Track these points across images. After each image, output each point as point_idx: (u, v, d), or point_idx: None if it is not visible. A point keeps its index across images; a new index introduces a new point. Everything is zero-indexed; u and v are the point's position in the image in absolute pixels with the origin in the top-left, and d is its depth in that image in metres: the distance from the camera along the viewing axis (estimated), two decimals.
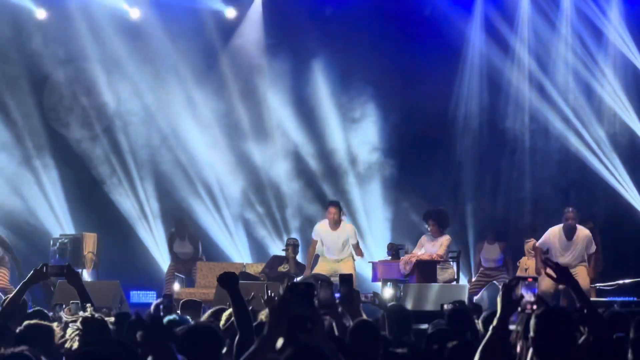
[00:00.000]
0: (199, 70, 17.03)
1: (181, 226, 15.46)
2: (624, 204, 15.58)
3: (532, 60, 16.31)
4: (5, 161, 16.92)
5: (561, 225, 13.52)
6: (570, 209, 13.51)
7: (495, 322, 4.44)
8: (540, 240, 13.66)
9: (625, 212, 15.52)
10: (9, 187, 16.86)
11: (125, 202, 17.00)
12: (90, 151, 17.18)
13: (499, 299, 4.48)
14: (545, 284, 12.00)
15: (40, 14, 17.10)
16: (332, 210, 14.25)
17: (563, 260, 13.03)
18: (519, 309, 4.43)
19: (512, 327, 4.83)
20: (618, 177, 15.65)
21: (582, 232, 13.54)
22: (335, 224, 14.16)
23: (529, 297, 4.41)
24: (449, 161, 16.71)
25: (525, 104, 16.35)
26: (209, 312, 7.95)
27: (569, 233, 13.49)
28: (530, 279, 4.41)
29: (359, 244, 14.36)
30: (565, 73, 16.13)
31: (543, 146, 16.27)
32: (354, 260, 14.24)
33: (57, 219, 16.81)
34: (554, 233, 13.58)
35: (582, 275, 13.09)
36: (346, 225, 14.37)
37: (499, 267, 14.88)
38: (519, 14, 16.39)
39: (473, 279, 15.03)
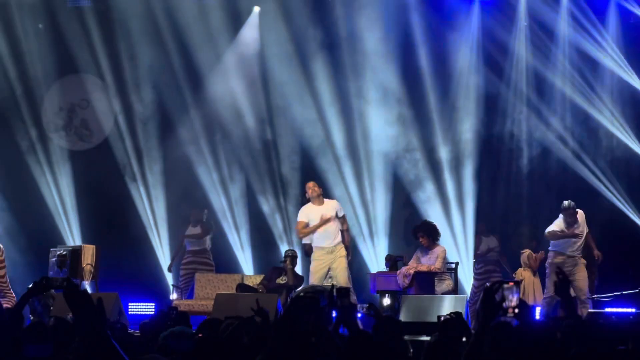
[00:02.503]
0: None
1: (196, 213, 16.22)
2: (622, 216, 15.60)
3: (530, 86, 16.33)
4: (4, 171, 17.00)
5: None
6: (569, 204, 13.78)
7: (477, 325, 4.48)
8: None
9: (623, 224, 15.55)
10: (9, 198, 16.92)
11: (127, 214, 17.02)
12: (90, 161, 17.24)
13: (480, 303, 4.52)
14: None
15: None
16: (310, 185, 14.18)
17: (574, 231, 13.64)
18: (501, 312, 4.46)
19: None
20: (615, 192, 15.68)
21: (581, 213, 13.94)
22: (318, 199, 14.05)
23: (511, 300, 4.45)
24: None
25: (522, 128, 16.34)
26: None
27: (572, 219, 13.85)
28: (511, 283, 4.45)
29: (345, 218, 14.28)
30: (562, 97, 16.13)
31: (540, 164, 16.25)
32: (345, 246, 14.15)
33: (55, 230, 16.84)
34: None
35: (583, 274, 13.80)
36: (330, 200, 14.34)
37: (496, 260, 15.37)
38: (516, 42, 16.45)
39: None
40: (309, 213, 14.06)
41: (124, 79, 17.18)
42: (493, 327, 6.27)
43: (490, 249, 15.83)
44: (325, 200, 14.19)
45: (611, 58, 15.87)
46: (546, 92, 16.28)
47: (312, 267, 14.06)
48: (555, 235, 13.82)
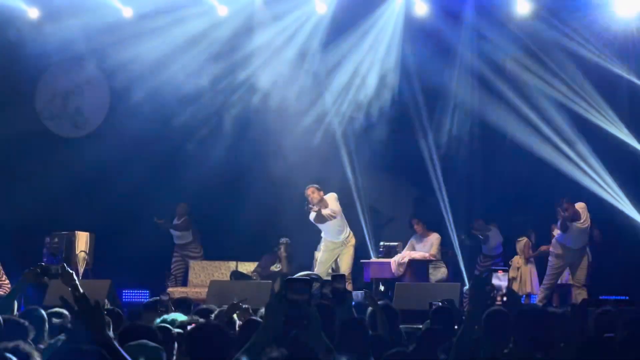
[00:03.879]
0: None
1: (180, 207, 16.14)
2: (612, 212, 15.62)
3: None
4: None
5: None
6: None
7: (467, 314, 4.50)
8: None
9: (616, 215, 15.58)
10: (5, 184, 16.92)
11: (121, 200, 17.00)
12: (85, 149, 17.22)
13: (470, 291, 4.54)
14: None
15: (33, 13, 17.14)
16: (309, 192, 14.01)
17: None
18: (490, 300, 4.48)
19: None
20: (605, 187, 15.70)
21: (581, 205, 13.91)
22: (322, 203, 13.95)
23: (500, 288, 4.46)
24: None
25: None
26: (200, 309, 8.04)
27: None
28: (501, 271, 4.46)
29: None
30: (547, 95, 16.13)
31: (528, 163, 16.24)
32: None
33: (49, 217, 16.82)
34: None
35: (583, 263, 14.04)
36: (328, 196, 14.18)
37: (500, 253, 15.18)
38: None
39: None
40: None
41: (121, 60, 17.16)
42: (487, 315, 6.30)
43: (499, 243, 15.57)
44: (326, 197, 14.11)
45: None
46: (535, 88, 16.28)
47: (321, 257, 14.07)
48: (564, 226, 13.83)
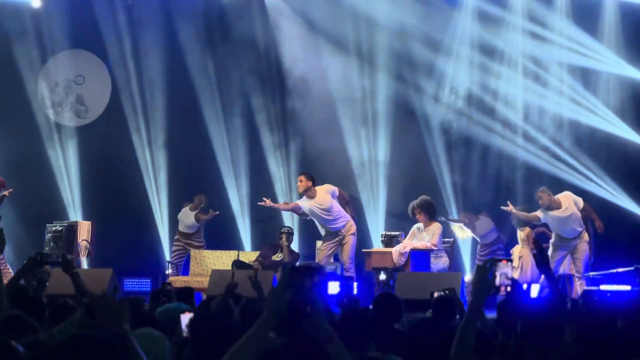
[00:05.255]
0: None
1: (198, 199, 15.77)
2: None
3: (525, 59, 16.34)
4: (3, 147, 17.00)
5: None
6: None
7: (470, 304, 4.48)
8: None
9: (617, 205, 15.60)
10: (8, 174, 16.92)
11: (122, 190, 17.00)
12: (86, 138, 17.22)
13: (473, 281, 4.53)
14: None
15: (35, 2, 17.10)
16: (297, 180, 14.06)
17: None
18: (493, 291, 4.46)
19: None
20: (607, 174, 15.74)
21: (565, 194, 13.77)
22: (310, 192, 13.84)
23: (503, 278, 4.44)
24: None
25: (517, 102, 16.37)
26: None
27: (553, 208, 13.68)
28: (504, 261, 4.44)
29: (341, 192, 14.24)
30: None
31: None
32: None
33: (51, 206, 16.82)
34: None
35: (584, 253, 13.81)
36: (322, 187, 14.05)
37: (496, 239, 15.12)
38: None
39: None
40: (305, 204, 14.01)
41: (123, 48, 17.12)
42: (498, 305, 6.29)
43: (490, 230, 15.52)
44: (317, 188, 14.04)
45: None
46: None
47: (322, 245, 14.03)
48: (527, 217, 13.85)
